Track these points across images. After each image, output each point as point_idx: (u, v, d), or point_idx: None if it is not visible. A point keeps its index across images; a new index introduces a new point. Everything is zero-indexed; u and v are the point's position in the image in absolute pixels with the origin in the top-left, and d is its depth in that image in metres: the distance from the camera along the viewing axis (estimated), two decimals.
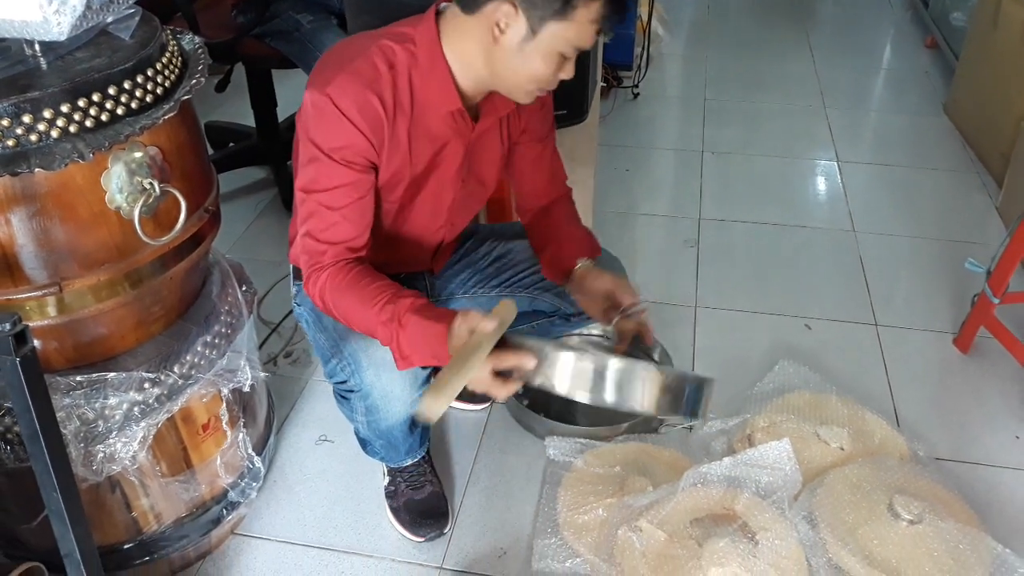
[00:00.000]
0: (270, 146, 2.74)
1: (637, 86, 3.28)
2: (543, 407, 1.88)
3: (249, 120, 2.76)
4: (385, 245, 1.42)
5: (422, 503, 1.66)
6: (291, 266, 1.57)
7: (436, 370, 1.93)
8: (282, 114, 2.76)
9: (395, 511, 1.67)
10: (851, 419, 1.81)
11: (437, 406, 1.07)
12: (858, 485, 1.62)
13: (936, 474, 1.70)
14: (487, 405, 1.93)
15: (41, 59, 1.16)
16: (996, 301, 1.95)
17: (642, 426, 1.84)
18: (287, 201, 2.69)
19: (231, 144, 2.87)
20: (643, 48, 3.23)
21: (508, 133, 1.50)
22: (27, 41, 1.15)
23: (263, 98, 2.65)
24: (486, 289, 1.68)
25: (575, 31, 1.22)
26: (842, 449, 1.73)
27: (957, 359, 2.08)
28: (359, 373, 1.36)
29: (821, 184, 2.90)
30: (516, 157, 1.55)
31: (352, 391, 1.40)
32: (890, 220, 2.65)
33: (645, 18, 3.18)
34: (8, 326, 0.90)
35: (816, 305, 2.26)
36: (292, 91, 2.98)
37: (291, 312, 2.17)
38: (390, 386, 1.37)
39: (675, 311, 2.23)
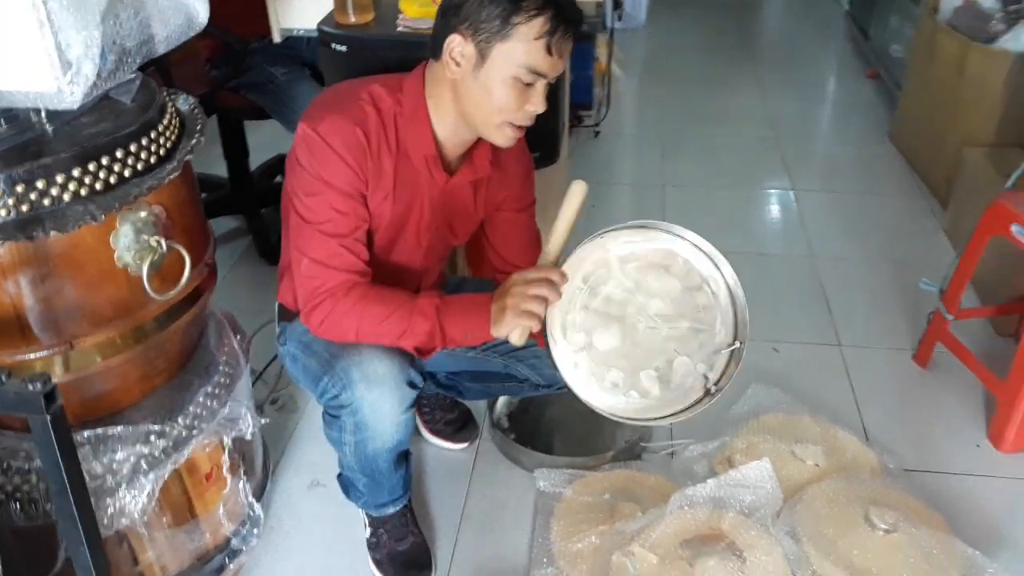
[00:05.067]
0: (243, 196, 2.78)
1: (598, 125, 3.40)
2: (529, 440, 1.94)
3: (220, 170, 2.80)
4: None
5: (405, 554, 1.67)
6: (277, 305, 1.62)
7: (418, 401, 1.98)
8: (253, 164, 2.81)
9: (378, 563, 1.68)
10: (824, 437, 1.90)
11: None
12: (835, 499, 1.70)
13: (906, 485, 1.80)
14: (468, 444, 1.98)
15: (47, 125, 1.20)
16: (950, 318, 2.06)
17: (626, 453, 1.91)
18: (261, 249, 2.72)
19: (204, 194, 2.90)
20: (605, 89, 3.35)
21: (487, 198, 1.56)
22: (33, 108, 1.20)
23: (235, 148, 2.70)
24: (465, 349, 1.70)
25: (523, 50, 1.25)
26: (817, 466, 1.82)
27: (917, 374, 2.19)
28: (351, 387, 1.38)
29: (778, 213, 3.03)
30: (498, 222, 1.61)
31: (343, 406, 1.41)
32: (846, 245, 2.78)
33: (603, 60, 3.30)
34: (39, 385, 0.94)
35: (782, 329, 2.36)
36: (262, 142, 3.03)
37: (274, 358, 2.20)
38: (380, 401, 1.39)
39: None
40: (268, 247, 2.71)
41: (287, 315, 1.58)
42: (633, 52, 4.47)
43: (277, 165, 3.02)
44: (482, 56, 1.28)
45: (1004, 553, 1.68)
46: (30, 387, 0.94)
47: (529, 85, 1.30)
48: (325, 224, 1.35)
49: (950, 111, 2.84)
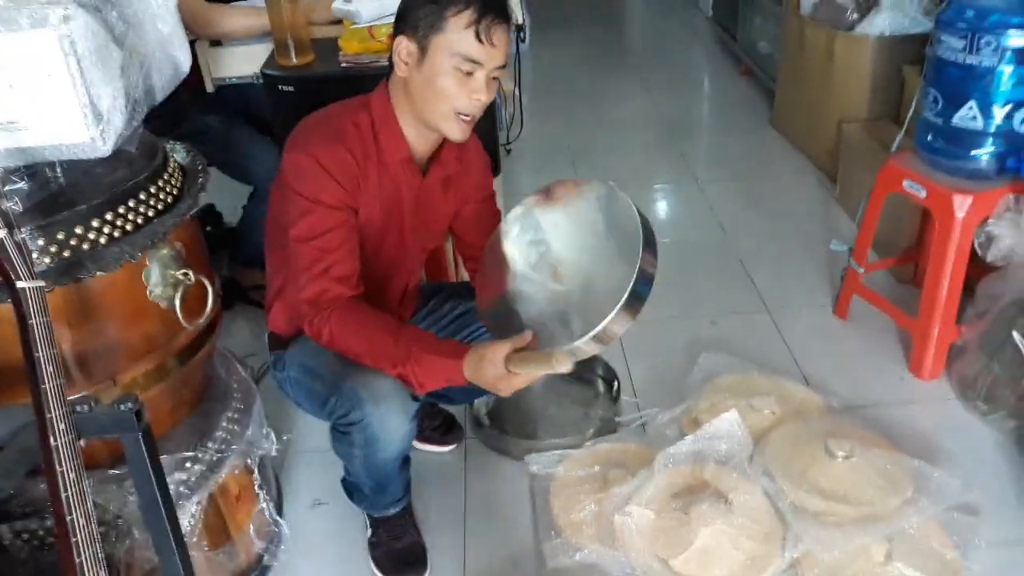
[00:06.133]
0: None
1: (509, 143, 3.58)
2: (511, 431, 2.08)
3: None
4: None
5: (402, 552, 1.78)
6: (267, 335, 1.69)
7: (423, 406, 2.08)
8: None
9: (376, 560, 1.78)
10: (773, 388, 2.12)
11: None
12: (796, 438, 1.91)
13: (850, 418, 2.04)
14: (456, 445, 2.10)
15: (62, 178, 1.27)
16: (861, 271, 2.34)
17: (603, 429, 2.07)
18: None
19: None
20: (511, 109, 3.53)
21: (455, 193, 1.70)
22: (48, 164, 1.26)
23: None
24: None
25: (455, 40, 1.39)
26: (773, 413, 2.03)
27: (840, 325, 2.46)
28: (359, 406, 1.47)
29: (689, 203, 3.29)
30: (465, 213, 1.75)
31: (352, 423, 1.50)
32: (753, 223, 3.06)
33: (507, 85, 3.49)
34: (130, 404, 1.02)
35: (715, 304, 2.59)
36: None
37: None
38: (387, 416, 1.49)
39: None
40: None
41: (279, 343, 1.66)
42: (523, 72, 4.70)
43: (206, 215, 3.05)
44: (423, 51, 1.41)
45: (941, 462, 1.92)
46: (122, 408, 1.02)
47: (469, 74, 1.41)
48: (317, 240, 1.45)
49: (825, 94, 3.17)
